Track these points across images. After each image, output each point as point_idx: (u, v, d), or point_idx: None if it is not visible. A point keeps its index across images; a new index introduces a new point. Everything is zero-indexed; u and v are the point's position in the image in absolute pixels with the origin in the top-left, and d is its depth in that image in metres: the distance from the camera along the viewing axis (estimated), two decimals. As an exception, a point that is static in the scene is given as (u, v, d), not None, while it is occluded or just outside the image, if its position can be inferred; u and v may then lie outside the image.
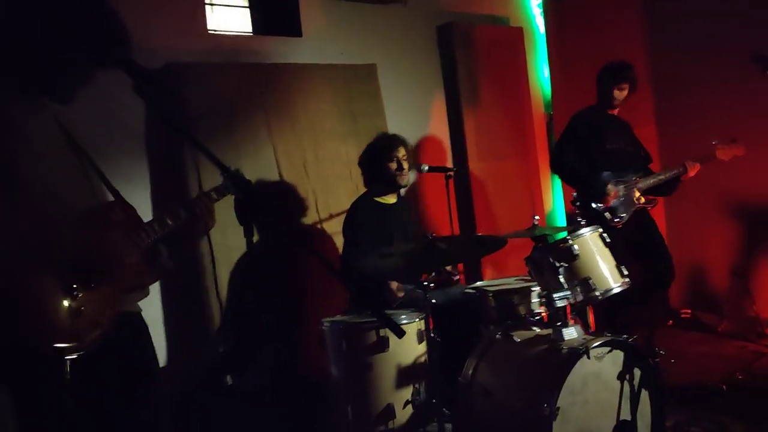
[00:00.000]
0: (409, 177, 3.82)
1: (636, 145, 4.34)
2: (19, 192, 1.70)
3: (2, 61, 1.80)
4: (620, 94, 4.18)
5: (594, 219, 4.04)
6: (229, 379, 3.60)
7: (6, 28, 1.79)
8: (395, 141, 3.74)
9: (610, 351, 2.64)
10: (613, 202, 4.05)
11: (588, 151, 4.20)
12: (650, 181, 4.15)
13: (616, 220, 4.06)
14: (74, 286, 1.70)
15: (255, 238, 1.79)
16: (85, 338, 1.69)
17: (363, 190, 3.88)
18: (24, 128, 1.78)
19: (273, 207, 3.89)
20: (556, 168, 4.38)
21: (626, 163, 4.20)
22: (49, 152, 1.83)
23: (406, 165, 3.71)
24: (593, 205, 4.04)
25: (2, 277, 1.61)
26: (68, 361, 1.65)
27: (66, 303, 1.68)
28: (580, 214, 3.22)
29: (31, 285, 1.64)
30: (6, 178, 1.69)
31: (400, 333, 1.52)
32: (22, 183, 1.71)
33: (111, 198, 1.98)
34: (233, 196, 1.78)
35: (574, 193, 3.28)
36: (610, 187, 4.05)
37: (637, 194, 4.09)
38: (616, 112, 4.28)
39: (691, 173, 4.08)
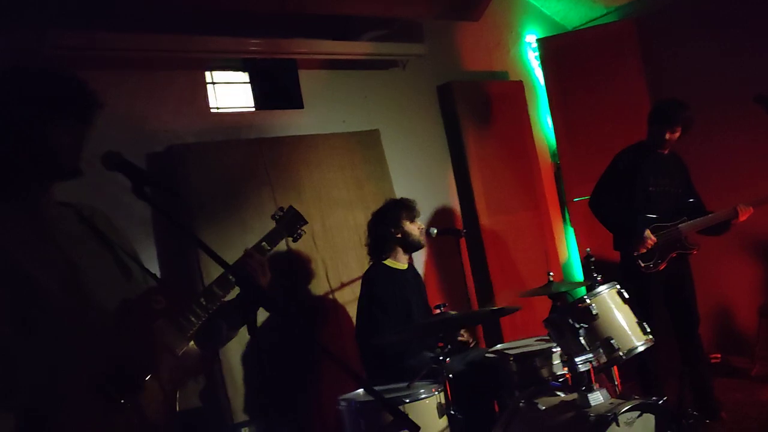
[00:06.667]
0: None
1: (684, 187, 4.13)
2: (48, 304, 1.57)
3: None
4: (673, 137, 3.96)
5: (626, 264, 4.01)
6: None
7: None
8: (414, 203, 3.74)
9: (640, 415, 2.54)
10: (647, 249, 3.91)
11: (628, 192, 4.04)
12: (692, 226, 3.98)
13: (650, 265, 3.94)
14: (121, 396, 1.54)
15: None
16: None
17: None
18: (46, 235, 1.67)
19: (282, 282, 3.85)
20: (593, 208, 4.19)
21: (668, 207, 4.02)
22: (78, 253, 1.70)
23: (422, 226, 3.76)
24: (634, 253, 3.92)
25: (41, 399, 1.48)
26: None
27: (115, 419, 1.53)
28: (595, 269, 3.12)
29: (74, 403, 1.51)
30: (33, 293, 1.56)
31: (415, 429, 1.44)
32: (51, 295, 1.59)
33: (149, 283, 1.83)
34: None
35: (588, 249, 3.21)
36: (647, 233, 3.90)
37: (680, 236, 3.95)
38: (666, 151, 4.07)
39: (743, 218, 3.86)
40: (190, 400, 3.60)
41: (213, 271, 3.52)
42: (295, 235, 2.41)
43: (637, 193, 4.04)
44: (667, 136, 3.95)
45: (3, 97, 1.66)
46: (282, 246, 3.98)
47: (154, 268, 3.62)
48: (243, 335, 3.64)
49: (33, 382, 1.49)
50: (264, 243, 2.06)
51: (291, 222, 2.39)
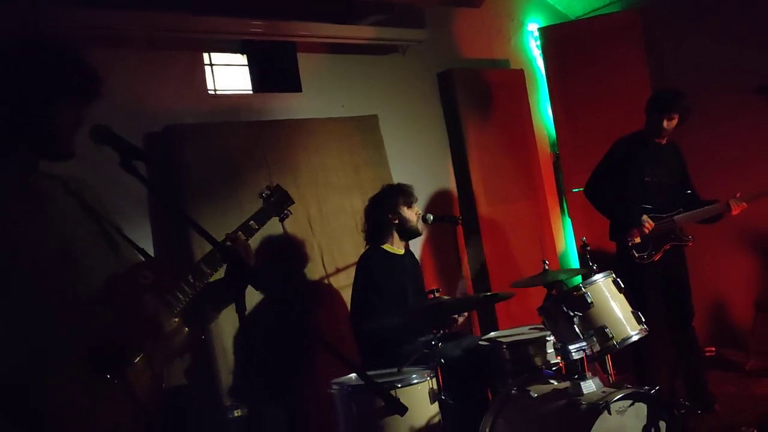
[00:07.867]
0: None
1: (680, 178, 4.10)
2: (35, 276, 1.55)
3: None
4: (670, 125, 3.90)
5: (621, 254, 3.99)
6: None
7: None
8: (411, 188, 3.71)
9: (632, 404, 2.53)
10: (644, 235, 3.89)
11: (622, 181, 4.01)
12: (687, 218, 3.96)
13: (644, 256, 3.92)
14: (108, 371, 1.53)
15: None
16: None
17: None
18: (34, 204, 1.66)
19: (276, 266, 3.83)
20: (588, 195, 4.18)
21: (664, 198, 4.00)
22: (66, 225, 1.68)
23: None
24: (628, 241, 3.90)
25: (28, 376, 1.46)
26: None
27: (102, 395, 1.51)
28: (590, 258, 3.11)
29: (62, 379, 1.48)
30: (19, 262, 1.54)
31: (402, 410, 1.44)
32: (38, 265, 1.56)
33: (138, 259, 1.81)
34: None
35: (584, 238, 3.19)
36: (645, 217, 3.88)
37: (675, 228, 3.94)
38: (663, 141, 4.03)
39: (735, 212, 3.87)
40: (182, 381, 3.60)
41: (207, 250, 3.51)
42: (282, 215, 2.39)
43: (632, 183, 4.01)
44: (665, 124, 3.91)
45: (4, 71, 1.64)
46: (278, 230, 3.95)
47: (149, 246, 3.60)
48: (236, 317, 3.66)
49: (20, 358, 1.47)
50: (252, 222, 2.04)
51: (279, 202, 2.36)
